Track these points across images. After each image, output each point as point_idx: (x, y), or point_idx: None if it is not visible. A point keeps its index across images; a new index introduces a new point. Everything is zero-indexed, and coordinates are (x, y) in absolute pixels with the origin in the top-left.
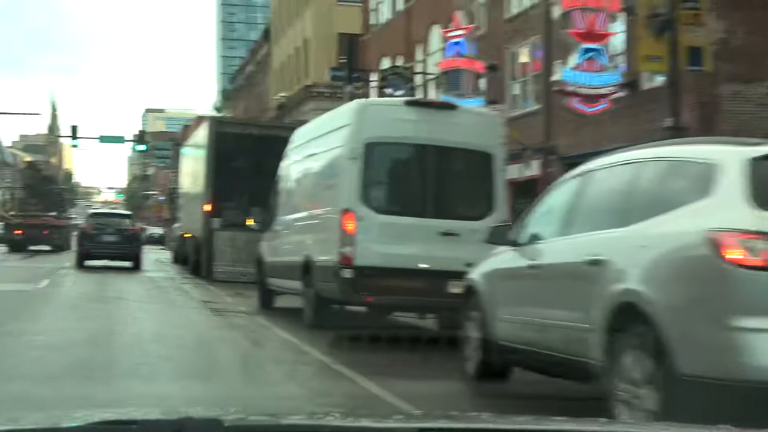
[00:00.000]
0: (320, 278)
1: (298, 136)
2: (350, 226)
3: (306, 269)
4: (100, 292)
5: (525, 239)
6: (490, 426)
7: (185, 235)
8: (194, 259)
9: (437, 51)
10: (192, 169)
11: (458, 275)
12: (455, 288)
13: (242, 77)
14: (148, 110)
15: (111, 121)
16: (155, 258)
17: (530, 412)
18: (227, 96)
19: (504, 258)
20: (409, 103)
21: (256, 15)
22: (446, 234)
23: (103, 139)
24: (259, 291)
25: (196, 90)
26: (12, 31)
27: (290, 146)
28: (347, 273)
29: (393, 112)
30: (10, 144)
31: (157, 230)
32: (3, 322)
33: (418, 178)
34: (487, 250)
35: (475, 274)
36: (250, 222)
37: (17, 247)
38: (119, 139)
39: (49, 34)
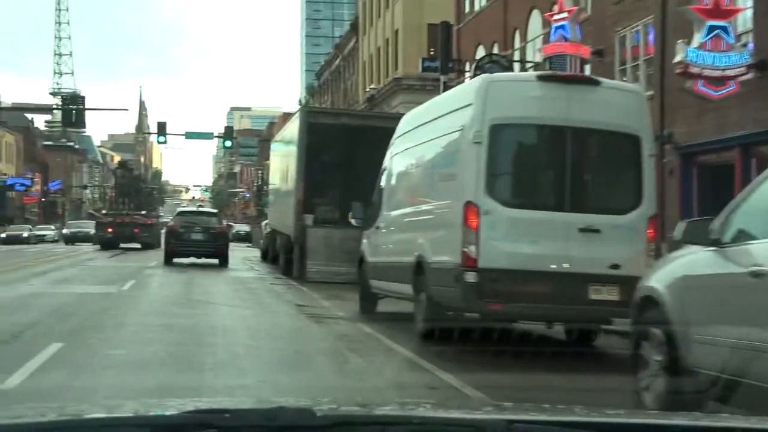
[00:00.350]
0: (436, 282)
1: (407, 121)
2: (474, 221)
3: (418, 271)
4: (186, 295)
5: (731, 239)
6: (583, 419)
7: (275, 233)
8: (286, 258)
9: (537, 37)
10: (282, 163)
11: (600, 278)
12: (597, 293)
13: (328, 72)
14: (234, 108)
15: (197, 120)
16: (243, 256)
17: None
18: (312, 92)
19: (697, 261)
20: (542, 78)
21: (342, 11)
22: (586, 230)
23: (189, 135)
24: (360, 294)
25: (281, 88)
26: (104, 34)
27: (397, 134)
28: (470, 276)
29: (523, 88)
30: (99, 143)
31: (243, 227)
32: (81, 331)
33: (552, 166)
34: (635, 249)
35: (655, 282)
36: (350, 218)
37: (108, 245)
38: (207, 136)
39: (138, 36)
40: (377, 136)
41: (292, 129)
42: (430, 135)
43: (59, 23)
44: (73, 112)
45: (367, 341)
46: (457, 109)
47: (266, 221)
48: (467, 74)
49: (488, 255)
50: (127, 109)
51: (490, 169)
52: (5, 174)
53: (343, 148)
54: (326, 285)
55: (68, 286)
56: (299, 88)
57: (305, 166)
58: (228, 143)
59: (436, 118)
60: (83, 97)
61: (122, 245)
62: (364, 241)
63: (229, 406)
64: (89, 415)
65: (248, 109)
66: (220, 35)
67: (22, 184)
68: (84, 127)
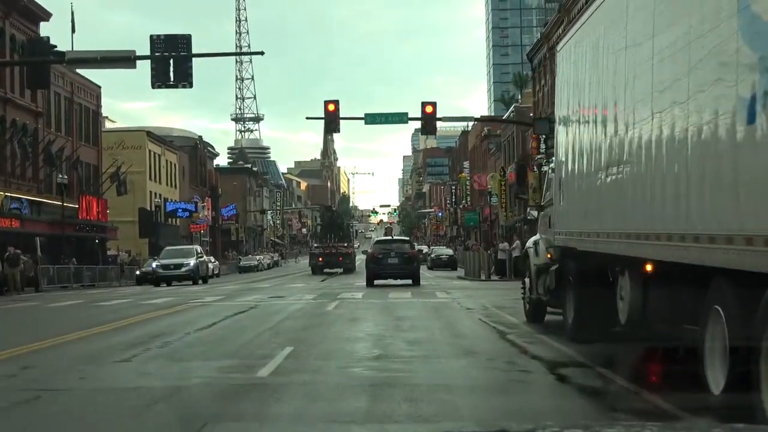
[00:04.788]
0: None
1: None
2: None
3: None
4: None
5: None
6: None
7: (580, 260)
8: (738, 366)
9: None
10: (632, 65)
11: None
12: None
13: (546, 48)
14: (418, 129)
15: (382, 141)
16: (480, 309)
17: None
18: (521, 82)
19: None
20: None
21: (531, 17)
22: None
23: (372, 119)
24: None
25: (466, 106)
26: (286, 64)
27: None
28: None
29: None
30: (285, 170)
31: (445, 251)
32: None
33: None
34: None
35: None
36: None
37: (318, 270)
38: (394, 118)
39: (319, 65)
40: None
41: None
42: None
43: (240, 46)
44: (170, 60)
45: None
46: None
47: (536, 238)
48: None
49: None
50: (262, 52)
51: None
52: (165, 198)
53: None
54: None
55: None
56: (487, 103)
57: None
58: (429, 131)
59: None
60: (187, 37)
61: (327, 270)
62: None
63: (451, 429)
64: None
65: None
66: (400, 57)
67: (186, 209)
68: (187, 81)
